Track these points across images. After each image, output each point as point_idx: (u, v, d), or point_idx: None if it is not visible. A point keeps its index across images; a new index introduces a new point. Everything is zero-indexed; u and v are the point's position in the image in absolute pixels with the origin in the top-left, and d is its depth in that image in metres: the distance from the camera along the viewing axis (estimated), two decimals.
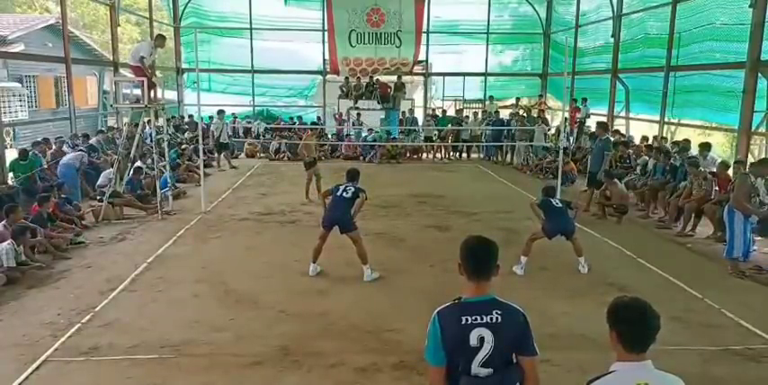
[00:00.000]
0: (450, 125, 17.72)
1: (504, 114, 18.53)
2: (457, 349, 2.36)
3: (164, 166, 10.75)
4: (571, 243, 6.94)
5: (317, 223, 9.09)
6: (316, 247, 6.77)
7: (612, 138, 11.70)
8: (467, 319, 2.36)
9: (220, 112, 15.19)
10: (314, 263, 6.80)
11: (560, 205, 7.00)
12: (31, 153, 10.42)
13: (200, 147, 10.60)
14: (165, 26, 19.73)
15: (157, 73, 11.87)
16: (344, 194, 6.66)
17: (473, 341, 2.34)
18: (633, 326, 2.09)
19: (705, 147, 10.42)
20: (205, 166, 11.75)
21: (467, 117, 18.55)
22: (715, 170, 9.34)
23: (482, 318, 2.36)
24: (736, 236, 6.86)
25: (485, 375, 2.37)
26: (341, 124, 18.13)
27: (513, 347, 2.41)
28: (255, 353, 4.80)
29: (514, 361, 2.43)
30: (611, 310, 2.14)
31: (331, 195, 6.82)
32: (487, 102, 19.28)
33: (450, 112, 19.44)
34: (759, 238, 7.90)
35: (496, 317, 2.37)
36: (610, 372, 2.09)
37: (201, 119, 12.97)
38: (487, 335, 2.35)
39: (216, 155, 15.33)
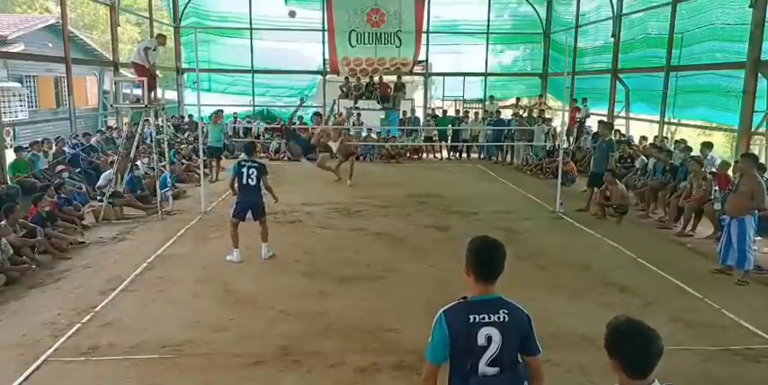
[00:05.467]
0: (450, 125, 17.72)
1: (506, 114, 18.52)
2: (464, 348, 2.35)
3: (164, 166, 10.75)
4: None
5: (317, 223, 9.20)
6: None
7: (614, 138, 11.70)
8: (474, 318, 2.34)
9: (219, 112, 15.10)
10: None
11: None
12: (30, 153, 10.43)
13: (200, 146, 10.60)
14: (165, 26, 19.72)
15: (158, 72, 11.88)
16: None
17: (481, 340, 2.33)
18: (635, 356, 1.95)
19: (707, 145, 10.43)
20: (205, 167, 11.72)
21: (466, 117, 18.54)
22: (715, 170, 9.34)
23: (489, 317, 2.35)
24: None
25: (492, 374, 2.36)
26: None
27: (519, 346, 2.41)
28: (255, 353, 4.80)
29: (520, 360, 2.43)
30: (610, 339, 2.00)
31: None
32: (488, 103, 19.28)
33: (451, 112, 19.43)
34: (759, 238, 7.88)
35: (504, 316, 2.36)
36: None
37: (201, 119, 12.98)
38: (495, 334, 2.34)
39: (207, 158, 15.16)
